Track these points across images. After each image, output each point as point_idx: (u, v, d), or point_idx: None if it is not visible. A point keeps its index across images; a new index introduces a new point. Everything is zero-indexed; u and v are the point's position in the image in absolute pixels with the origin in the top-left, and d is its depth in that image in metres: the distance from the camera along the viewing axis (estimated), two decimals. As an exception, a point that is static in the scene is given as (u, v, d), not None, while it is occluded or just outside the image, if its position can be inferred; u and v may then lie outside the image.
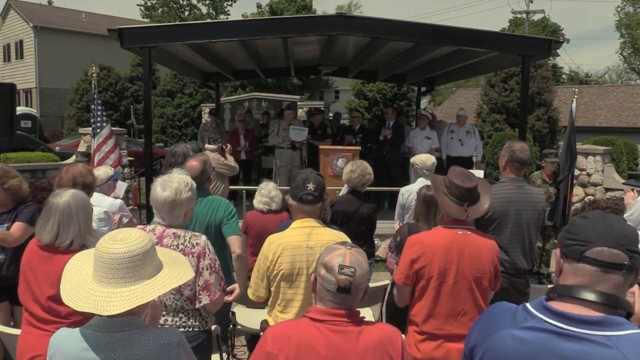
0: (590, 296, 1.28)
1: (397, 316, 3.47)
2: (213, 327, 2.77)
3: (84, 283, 1.61)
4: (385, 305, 3.87)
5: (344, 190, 4.99)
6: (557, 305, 1.32)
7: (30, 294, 2.48)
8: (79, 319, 2.31)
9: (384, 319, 3.79)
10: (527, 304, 1.38)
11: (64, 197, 2.49)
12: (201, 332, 2.60)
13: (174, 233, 2.55)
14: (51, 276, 2.42)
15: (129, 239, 1.61)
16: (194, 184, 2.68)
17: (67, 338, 1.61)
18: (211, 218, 3.40)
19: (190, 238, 2.55)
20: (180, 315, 2.54)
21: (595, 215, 1.37)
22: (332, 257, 1.75)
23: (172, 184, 2.56)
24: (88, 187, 3.41)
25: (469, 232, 2.67)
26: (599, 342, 1.23)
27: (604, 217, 1.36)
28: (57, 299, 2.36)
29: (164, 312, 2.52)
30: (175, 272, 1.70)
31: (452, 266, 2.60)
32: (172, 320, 2.53)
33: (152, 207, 2.63)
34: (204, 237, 2.60)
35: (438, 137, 9.12)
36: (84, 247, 2.52)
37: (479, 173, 5.17)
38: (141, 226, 2.66)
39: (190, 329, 2.55)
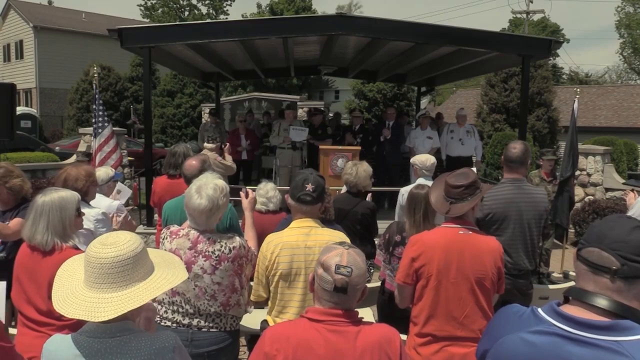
0: (602, 303, 1.27)
1: (389, 315, 3.47)
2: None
3: (75, 289, 1.58)
4: (377, 305, 3.88)
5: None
6: (568, 310, 1.31)
7: (24, 295, 2.48)
8: (74, 321, 2.31)
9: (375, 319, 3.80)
10: (537, 308, 1.38)
11: (44, 196, 2.51)
12: (231, 333, 2.63)
13: (209, 239, 2.53)
14: (35, 274, 2.44)
15: (118, 243, 1.57)
16: (228, 188, 2.67)
17: (60, 345, 1.58)
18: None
19: (226, 243, 2.53)
20: (213, 317, 2.56)
21: (609, 218, 1.37)
22: (329, 256, 1.76)
23: (208, 191, 2.52)
24: (79, 191, 3.39)
25: (470, 232, 2.65)
26: (608, 348, 1.21)
27: (615, 221, 1.35)
28: (45, 298, 2.38)
29: (196, 315, 2.54)
30: (167, 274, 1.67)
31: (452, 265, 2.57)
32: (205, 323, 2.55)
33: (187, 214, 2.60)
34: (237, 238, 2.59)
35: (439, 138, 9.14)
36: (65, 247, 2.49)
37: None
38: (175, 229, 2.62)
39: (222, 330, 2.58)
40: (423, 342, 2.61)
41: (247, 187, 3.32)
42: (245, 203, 3.06)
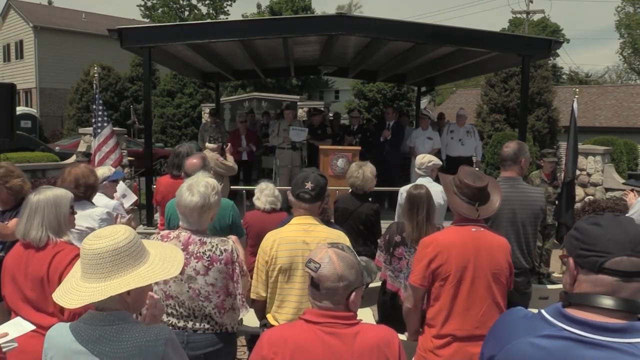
0: (608, 303, 1.25)
1: (390, 316, 3.47)
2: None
3: (75, 279, 1.68)
4: (377, 305, 3.87)
5: None
6: (576, 313, 1.29)
7: (19, 294, 2.48)
8: (70, 318, 2.32)
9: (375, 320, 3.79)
10: (543, 311, 1.35)
11: (38, 194, 2.52)
12: (227, 334, 2.62)
13: (200, 240, 2.53)
14: (29, 270, 2.44)
15: (108, 236, 1.64)
16: (219, 187, 2.68)
17: (60, 331, 1.68)
18: (216, 222, 3.38)
19: (217, 244, 2.53)
20: (208, 319, 2.56)
21: (608, 221, 1.31)
22: (313, 252, 1.82)
23: (199, 188, 2.53)
24: (91, 187, 3.41)
25: (482, 229, 2.66)
26: (624, 350, 1.19)
27: (618, 223, 1.30)
28: (40, 293, 2.41)
29: (191, 318, 2.54)
30: (156, 268, 1.69)
31: (470, 263, 2.57)
32: (200, 325, 2.55)
33: (179, 212, 2.59)
34: (231, 242, 2.58)
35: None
36: (59, 241, 2.49)
37: None
38: (166, 232, 2.62)
39: (218, 332, 2.58)
40: (442, 344, 2.60)
41: (241, 198, 3.31)
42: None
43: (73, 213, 2.65)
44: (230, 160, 5.75)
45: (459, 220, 2.72)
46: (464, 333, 2.57)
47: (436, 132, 9.12)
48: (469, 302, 2.57)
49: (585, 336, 1.23)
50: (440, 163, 5.02)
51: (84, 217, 3.21)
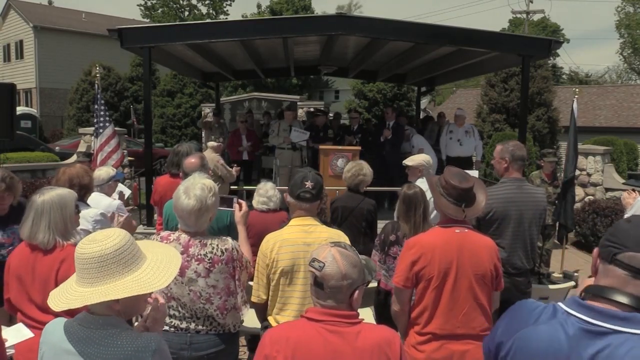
0: (622, 298, 1.29)
1: (384, 315, 3.48)
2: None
3: (68, 284, 1.67)
4: (374, 306, 3.88)
5: None
6: (589, 302, 1.34)
7: (25, 295, 2.48)
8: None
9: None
10: (558, 303, 1.40)
11: (43, 196, 2.51)
12: (229, 335, 2.62)
13: (200, 241, 2.51)
14: (37, 272, 2.45)
15: (99, 241, 1.60)
16: (216, 188, 2.65)
17: (55, 327, 1.68)
18: (214, 222, 3.37)
19: (217, 245, 2.51)
20: (210, 320, 2.55)
21: (639, 221, 1.36)
22: (315, 251, 1.81)
23: (195, 191, 2.50)
24: (85, 187, 3.41)
25: (466, 230, 2.66)
26: (628, 338, 1.24)
27: None
28: (46, 299, 2.40)
29: (193, 319, 2.53)
30: (144, 278, 1.63)
31: (452, 265, 2.58)
32: (203, 326, 2.54)
33: (177, 215, 2.57)
34: (230, 240, 2.57)
35: (438, 135, 9.22)
36: (66, 244, 2.49)
37: (474, 173, 5.18)
38: (166, 233, 2.60)
39: (221, 332, 2.58)
40: (423, 340, 2.62)
41: (241, 198, 3.27)
42: (238, 217, 2.94)
43: (78, 212, 2.67)
44: (233, 171, 5.83)
45: (445, 221, 2.72)
46: (444, 332, 2.60)
47: (416, 134, 9.26)
48: (452, 304, 2.59)
49: (592, 323, 1.29)
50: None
51: (77, 219, 3.21)
